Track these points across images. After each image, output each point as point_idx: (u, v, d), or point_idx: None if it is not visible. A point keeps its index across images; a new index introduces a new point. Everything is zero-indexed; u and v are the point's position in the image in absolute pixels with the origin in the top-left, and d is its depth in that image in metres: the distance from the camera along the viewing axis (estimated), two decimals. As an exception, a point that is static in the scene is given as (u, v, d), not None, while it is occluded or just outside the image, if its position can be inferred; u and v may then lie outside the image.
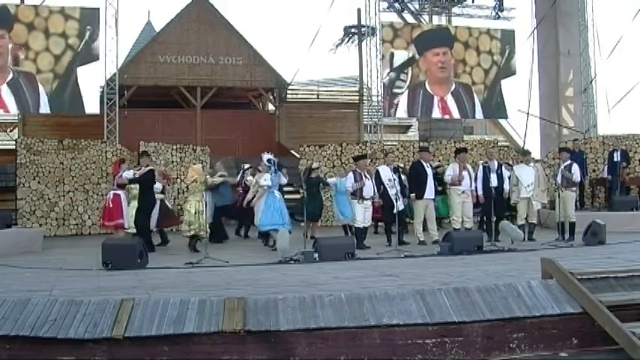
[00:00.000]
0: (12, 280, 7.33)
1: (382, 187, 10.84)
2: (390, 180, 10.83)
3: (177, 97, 22.11)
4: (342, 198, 11.66)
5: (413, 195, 11.00)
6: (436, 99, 18.57)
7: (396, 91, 18.34)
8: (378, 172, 11.08)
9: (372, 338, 5.24)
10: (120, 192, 10.73)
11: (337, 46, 24.81)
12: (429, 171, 11.15)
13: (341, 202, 11.71)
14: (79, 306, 5.25)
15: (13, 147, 15.29)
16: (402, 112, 18.78)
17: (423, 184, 10.96)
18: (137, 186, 10.78)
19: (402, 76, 18.37)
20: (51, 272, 8.06)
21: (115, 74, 17.34)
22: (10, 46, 15.39)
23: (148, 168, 10.89)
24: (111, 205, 10.66)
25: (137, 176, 10.73)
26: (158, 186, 11.48)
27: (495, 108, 19.43)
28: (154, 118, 21.16)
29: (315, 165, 12.97)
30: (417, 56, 18.51)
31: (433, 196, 11.16)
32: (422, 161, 11.26)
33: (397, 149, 16.92)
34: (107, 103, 17.16)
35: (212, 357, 5.05)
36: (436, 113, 18.84)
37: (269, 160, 10.63)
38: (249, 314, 5.20)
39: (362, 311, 5.34)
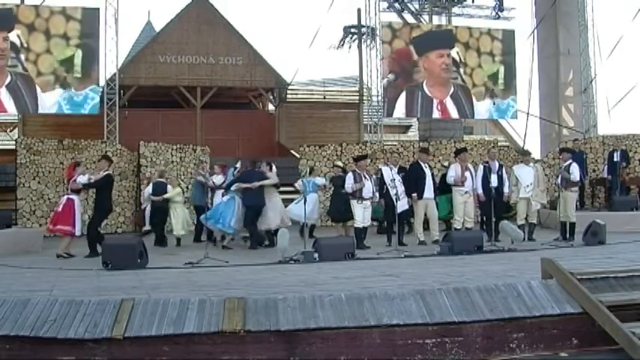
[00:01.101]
0: (12, 280, 7.34)
1: (385, 187, 10.86)
2: (392, 180, 10.85)
3: (177, 97, 22.11)
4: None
5: (415, 195, 11.02)
6: (435, 102, 18.57)
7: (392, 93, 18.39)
8: (381, 172, 11.09)
9: (372, 338, 5.24)
10: (74, 197, 10.23)
11: (341, 45, 24.71)
12: (427, 171, 11.18)
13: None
14: (79, 306, 5.25)
15: (13, 147, 15.28)
16: (399, 112, 18.81)
17: (422, 185, 10.99)
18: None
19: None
20: (51, 272, 8.06)
21: (115, 74, 17.35)
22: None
23: (105, 173, 10.49)
24: (60, 210, 10.22)
25: (92, 181, 10.34)
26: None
27: (507, 108, 19.47)
28: (154, 118, 21.16)
29: (339, 163, 13.08)
30: (415, 57, 18.51)
31: (432, 196, 11.18)
32: (420, 162, 11.29)
33: (397, 149, 16.91)
34: (107, 103, 17.17)
35: (212, 357, 5.05)
36: (435, 115, 18.92)
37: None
38: (249, 314, 5.20)
39: (362, 311, 5.34)
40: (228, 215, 10.72)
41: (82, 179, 10.31)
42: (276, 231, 10.88)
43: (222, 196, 11.42)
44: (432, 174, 11.33)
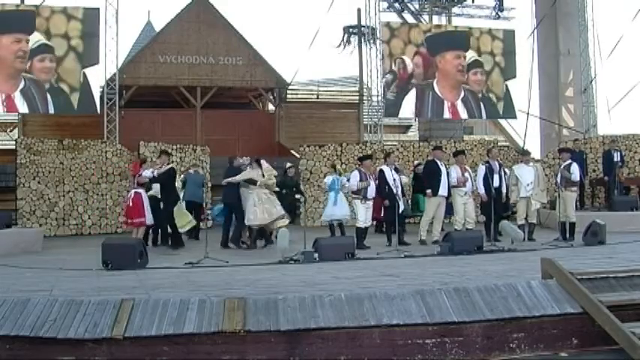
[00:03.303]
0: (12, 280, 7.33)
1: (387, 187, 10.86)
2: (394, 180, 10.87)
3: (177, 97, 22.11)
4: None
5: (429, 191, 11.05)
6: (447, 104, 18.67)
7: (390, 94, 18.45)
8: (382, 172, 11.09)
9: (372, 338, 5.24)
10: (140, 190, 10.83)
11: (345, 46, 24.58)
12: (443, 169, 11.18)
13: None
14: (79, 306, 5.25)
15: (13, 147, 15.28)
16: (409, 112, 18.86)
17: (438, 182, 11.01)
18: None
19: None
20: (51, 272, 8.05)
21: (115, 74, 17.35)
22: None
23: (168, 166, 11.08)
24: (131, 204, 10.77)
25: (156, 175, 10.89)
26: (177, 185, 11.75)
27: (505, 108, 19.59)
28: (153, 118, 21.17)
29: (288, 164, 13.26)
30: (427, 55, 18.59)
31: (446, 194, 11.17)
32: (436, 160, 11.32)
33: (397, 149, 16.91)
34: (107, 103, 17.17)
35: (212, 357, 5.05)
36: (446, 115, 19.15)
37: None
38: (249, 314, 5.19)
39: (362, 311, 5.34)
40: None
41: (147, 173, 10.95)
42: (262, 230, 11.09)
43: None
44: (447, 172, 11.32)
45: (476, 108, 19.05)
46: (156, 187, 11.30)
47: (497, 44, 19.36)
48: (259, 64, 21.69)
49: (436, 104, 18.58)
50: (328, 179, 12.08)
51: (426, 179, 11.40)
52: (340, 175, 12.20)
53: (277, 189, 11.61)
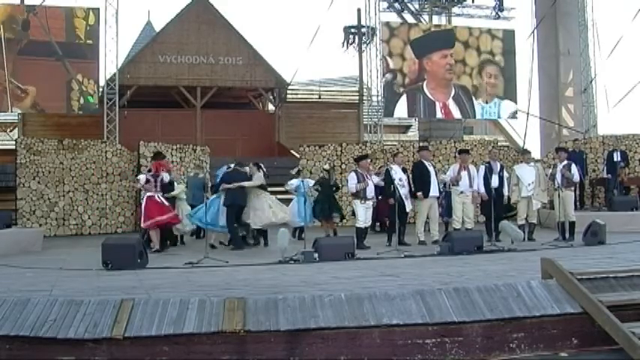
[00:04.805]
0: (12, 280, 7.33)
1: (392, 186, 10.85)
2: (400, 180, 10.86)
3: (177, 97, 22.13)
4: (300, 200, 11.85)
5: (420, 194, 11.02)
6: (438, 104, 18.73)
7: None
8: (388, 172, 11.08)
9: (372, 338, 5.24)
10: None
11: (348, 45, 24.44)
12: (432, 169, 11.14)
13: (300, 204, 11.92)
14: (79, 306, 5.25)
15: (13, 147, 15.29)
16: (402, 112, 18.91)
17: (427, 183, 10.97)
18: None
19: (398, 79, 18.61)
20: (51, 272, 8.05)
21: (115, 74, 17.36)
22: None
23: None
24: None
25: None
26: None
27: (506, 107, 19.74)
28: (153, 118, 21.19)
29: (326, 166, 13.55)
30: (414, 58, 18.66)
31: (437, 195, 11.15)
32: (423, 160, 11.27)
33: (397, 149, 16.91)
34: (107, 103, 17.18)
35: (212, 357, 5.05)
36: (439, 115, 19.23)
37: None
38: (249, 314, 5.19)
39: (362, 311, 5.33)
40: (212, 213, 10.75)
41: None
42: (262, 231, 11.19)
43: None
44: (436, 172, 11.27)
45: (469, 107, 19.11)
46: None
47: (497, 44, 19.40)
48: (259, 64, 21.71)
49: (428, 106, 18.68)
50: (294, 182, 12.07)
51: (415, 181, 11.24)
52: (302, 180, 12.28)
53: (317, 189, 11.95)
